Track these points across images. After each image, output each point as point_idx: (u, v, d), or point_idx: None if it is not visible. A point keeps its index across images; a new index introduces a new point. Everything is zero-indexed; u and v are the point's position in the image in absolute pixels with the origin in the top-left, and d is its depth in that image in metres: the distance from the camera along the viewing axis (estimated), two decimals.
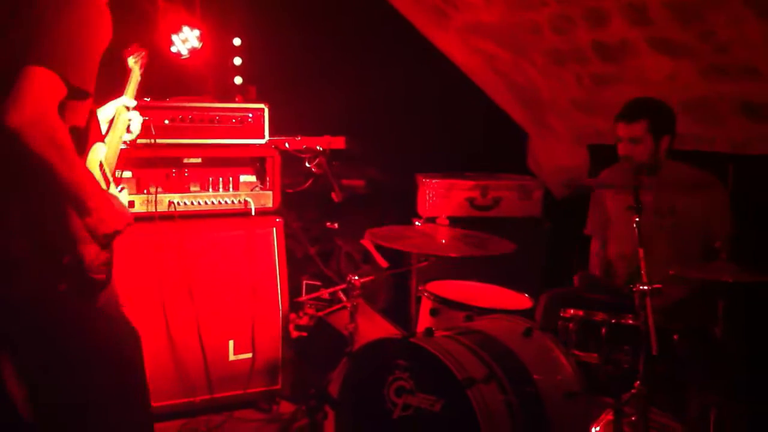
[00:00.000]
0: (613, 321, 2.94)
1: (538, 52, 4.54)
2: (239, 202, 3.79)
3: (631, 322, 2.86)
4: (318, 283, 4.50)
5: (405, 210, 4.64)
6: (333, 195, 3.97)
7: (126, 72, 2.78)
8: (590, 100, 4.53)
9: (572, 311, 3.05)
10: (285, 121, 4.07)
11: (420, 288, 3.49)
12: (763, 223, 3.53)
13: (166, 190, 3.63)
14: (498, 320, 3.08)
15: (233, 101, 4.04)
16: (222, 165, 3.82)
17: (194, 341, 3.62)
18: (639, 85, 3.87)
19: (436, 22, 4.89)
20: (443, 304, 3.31)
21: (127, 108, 2.65)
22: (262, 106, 3.88)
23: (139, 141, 3.03)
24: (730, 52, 3.47)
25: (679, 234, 3.38)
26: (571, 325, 3.03)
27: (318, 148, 4.03)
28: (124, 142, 2.65)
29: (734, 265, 2.81)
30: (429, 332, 2.82)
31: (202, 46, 3.97)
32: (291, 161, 4.04)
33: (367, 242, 4.38)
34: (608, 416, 2.97)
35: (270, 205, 3.89)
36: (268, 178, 3.89)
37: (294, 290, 4.23)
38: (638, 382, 2.73)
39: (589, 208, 3.83)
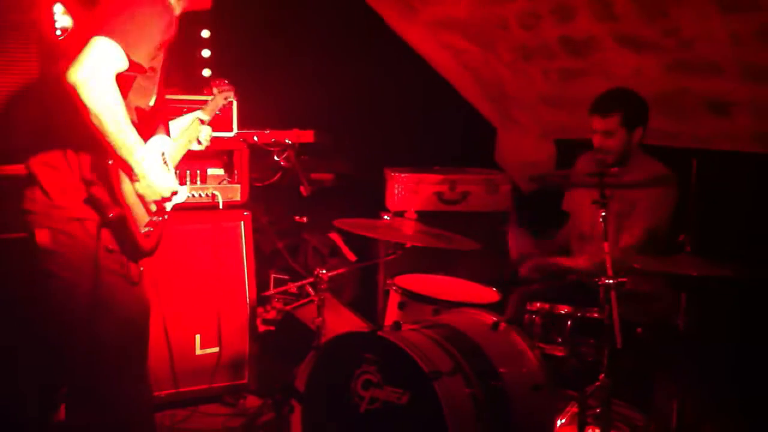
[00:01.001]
0: (578, 314, 2.97)
1: (506, 47, 4.56)
2: (207, 195, 3.77)
3: (596, 315, 2.89)
4: (286, 277, 4.49)
5: (373, 204, 4.64)
6: (301, 189, 3.95)
7: (208, 93, 3.11)
8: (557, 94, 4.56)
9: (538, 304, 3.07)
10: (253, 114, 4.04)
11: (388, 282, 3.49)
12: (724, 217, 3.58)
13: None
14: (465, 314, 3.10)
15: (201, 93, 4.00)
16: (189, 158, 3.76)
17: (160, 335, 3.59)
18: (605, 80, 3.91)
19: (405, 15, 4.89)
20: (411, 297, 3.32)
21: (202, 121, 2.93)
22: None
23: None
24: (694, 48, 3.51)
25: (637, 223, 3.42)
26: (536, 318, 3.05)
27: (287, 141, 4.00)
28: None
29: (698, 258, 2.84)
30: (396, 326, 2.83)
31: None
32: (259, 155, 4.02)
33: (335, 236, 4.38)
34: (573, 409, 3.01)
35: (238, 198, 3.87)
36: (236, 172, 3.87)
37: (261, 284, 4.22)
38: (602, 375, 2.76)
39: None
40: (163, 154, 2.55)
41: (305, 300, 4.14)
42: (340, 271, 3.72)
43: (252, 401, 3.84)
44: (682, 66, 3.65)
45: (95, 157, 2.33)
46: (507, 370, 2.76)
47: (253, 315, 3.87)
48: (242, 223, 3.85)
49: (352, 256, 4.21)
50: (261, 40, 4.70)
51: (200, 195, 3.75)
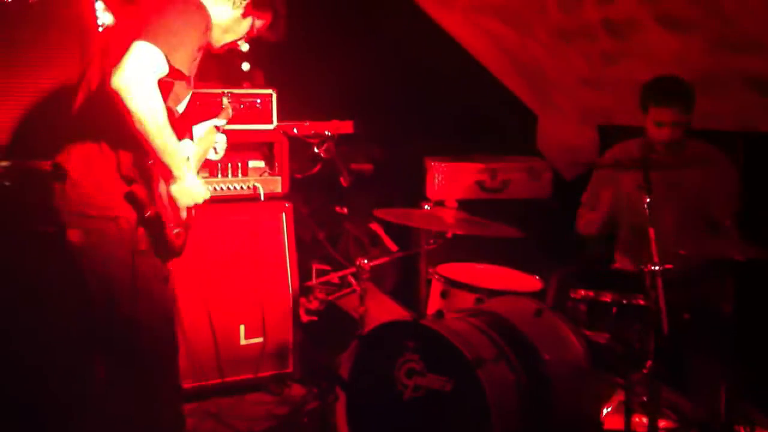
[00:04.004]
0: (623, 301, 2.93)
1: (545, 31, 4.50)
2: (248, 187, 3.80)
3: (641, 302, 2.85)
4: (327, 268, 4.51)
5: (414, 193, 4.63)
6: (341, 179, 3.95)
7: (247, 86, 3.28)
8: (598, 78, 4.50)
9: (582, 292, 3.05)
10: (293, 105, 4.06)
11: (430, 270, 3.49)
12: None
13: None
14: (508, 301, 3.09)
15: (241, 86, 4.03)
16: (231, 150, 3.81)
17: (205, 326, 3.64)
18: (647, 62, 3.84)
19: (442, 1, 4.86)
20: (453, 286, 3.32)
21: (218, 128, 2.94)
22: (270, 91, 3.89)
23: None
24: (737, 26, 3.43)
25: (684, 208, 3.37)
26: (581, 305, 3.03)
27: (326, 132, 4.01)
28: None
29: (745, 242, 2.80)
30: (439, 314, 2.83)
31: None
32: (299, 146, 4.04)
33: (375, 226, 4.39)
34: (619, 396, 2.97)
35: (279, 190, 3.90)
36: (276, 164, 3.89)
37: (304, 275, 4.24)
38: (649, 362, 2.72)
39: (591, 182, 3.80)
40: (188, 159, 2.57)
41: (348, 290, 4.16)
42: (382, 260, 3.73)
43: (297, 390, 3.87)
44: (724, 45, 3.58)
45: (136, 156, 2.37)
46: (551, 357, 2.75)
47: (296, 305, 3.90)
48: (284, 214, 3.88)
49: (393, 246, 4.21)
50: (299, 32, 4.69)
51: (242, 187, 3.79)
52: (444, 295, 3.34)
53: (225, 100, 3.06)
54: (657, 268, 2.70)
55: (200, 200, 2.56)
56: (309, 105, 4.26)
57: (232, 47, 2.82)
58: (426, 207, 3.49)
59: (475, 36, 4.96)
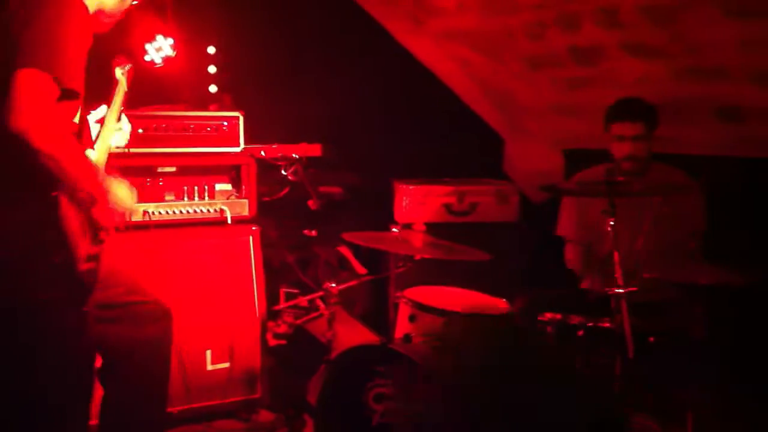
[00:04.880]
0: (590, 324, 2.95)
1: (514, 57, 4.56)
2: (215, 210, 3.77)
3: (608, 325, 2.87)
4: (296, 291, 4.48)
5: (383, 217, 4.63)
6: (310, 202, 3.95)
7: (113, 82, 2.79)
8: (566, 103, 4.56)
9: (550, 315, 3.05)
10: (260, 128, 4.05)
11: (398, 294, 3.48)
12: (734, 224, 3.56)
13: (141, 200, 3.59)
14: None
15: (208, 110, 4.01)
16: (197, 174, 3.80)
17: (173, 351, 3.58)
18: (614, 88, 3.90)
19: (411, 28, 4.90)
20: (421, 309, 3.30)
21: (117, 119, 2.69)
22: (237, 114, 3.87)
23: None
24: (702, 53, 3.50)
25: (648, 231, 3.41)
26: (549, 328, 3.03)
27: (294, 155, 4.01)
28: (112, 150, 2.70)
29: (710, 266, 2.83)
30: (407, 338, 2.82)
31: (176, 55, 3.95)
32: (267, 169, 4.02)
33: (344, 249, 4.37)
34: None
35: (246, 213, 3.87)
36: (243, 187, 3.87)
37: (272, 298, 4.21)
38: (615, 384, 2.73)
39: (561, 210, 3.84)
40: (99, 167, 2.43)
41: (316, 314, 4.13)
42: (350, 284, 3.72)
43: (265, 416, 3.82)
44: (689, 72, 3.65)
45: (37, 193, 2.14)
46: None
47: (263, 329, 3.86)
48: (251, 237, 3.85)
49: (361, 269, 4.20)
50: (267, 55, 4.72)
51: (208, 210, 3.76)
52: (412, 318, 3.33)
53: (118, 72, 2.80)
54: (621, 291, 2.73)
55: (132, 202, 2.41)
56: (277, 128, 4.26)
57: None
58: (394, 230, 3.49)
59: (444, 62, 5.01)
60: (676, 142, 3.86)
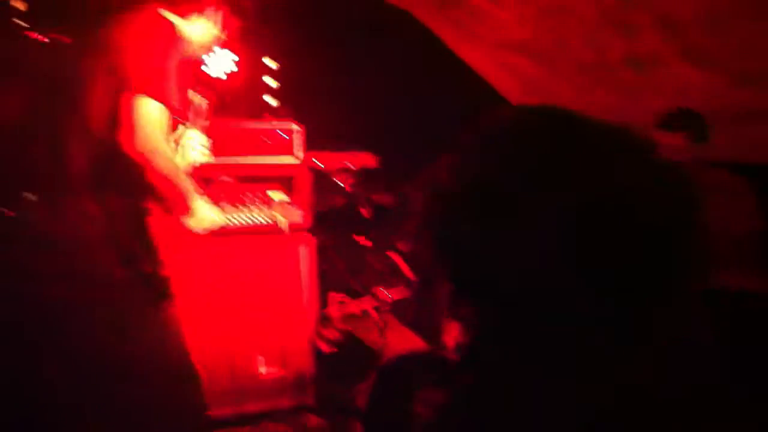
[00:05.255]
0: None
1: (569, 66, 4.54)
2: (270, 219, 3.84)
3: None
4: (347, 298, 4.52)
5: None
6: (363, 211, 3.99)
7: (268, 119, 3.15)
8: (622, 111, 4.52)
9: None
10: (316, 138, 4.11)
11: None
12: None
13: None
14: None
15: (265, 120, 4.09)
16: (254, 183, 3.88)
17: (224, 356, 3.66)
18: (667, 96, 3.86)
19: (466, 38, 4.92)
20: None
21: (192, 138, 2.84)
22: (293, 124, 3.94)
23: None
24: (757, 59, 3.45)
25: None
26: None
27: (348, 164, 4.06)
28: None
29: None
30: (459, 347, 2.83)
31: (236, 67, 4.05)
32: (321, 178, 4.08)
33: (397, 257, 4.41)
34: None
35: (300, 221, 3.93)
36: (298, 196, 3.93)
37: (324, 305, 4.26)
38: None
39: None
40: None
41: (367, 321, 4.17)
42: (402, 291, 3.74)
43: (314, 421, 3.87)
44: (745, 79, 3.59)
45: (131, 207, 2.35)
46: None
47: (315, 336, 3.91)
48: (305, 245, 3.91)
49: (413, 277, 4.22)
50: (322, 66, 4.79)
51: (263, 219, 3.83)
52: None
53: (197, 97, 2.93)
54: None
55: (216, 222, 2.60)
56: (332, 138, 4.31)
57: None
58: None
59: (498, 71, 5.01)
60: (739, 150, 3.80)
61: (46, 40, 2.87)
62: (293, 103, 4.53)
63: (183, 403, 2.57)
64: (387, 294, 3.27)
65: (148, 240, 2.35)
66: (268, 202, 3.90)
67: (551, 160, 0.93)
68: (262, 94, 4.65)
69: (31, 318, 2.30)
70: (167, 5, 2.47)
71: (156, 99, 2.23)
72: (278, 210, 3.86)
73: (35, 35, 2.95)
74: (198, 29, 2.61)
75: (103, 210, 2.31)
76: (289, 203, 3.93)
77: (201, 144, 2.84)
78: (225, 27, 2.74)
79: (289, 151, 3.92)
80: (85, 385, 2.41)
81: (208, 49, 2.79)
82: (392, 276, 4.59)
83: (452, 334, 3.15)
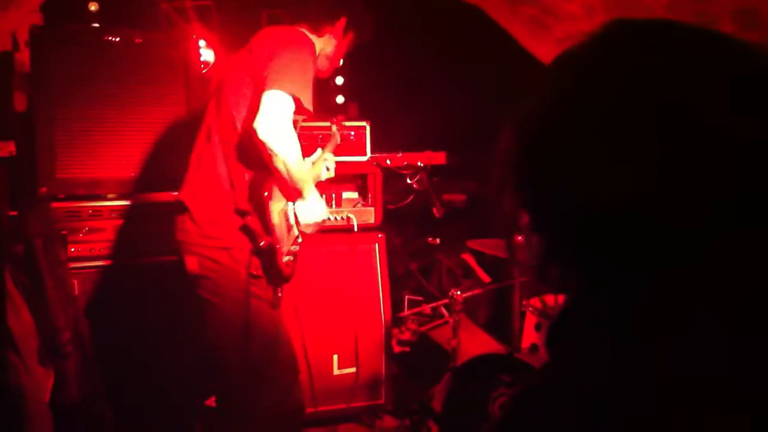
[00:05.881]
0: None
1: None
2: (342, 218, 3.85)
3: None
4: (420, 299, 4.50)
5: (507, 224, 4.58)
6: (434, 210, 3.96)
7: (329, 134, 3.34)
8: None
9: None
10: (386, 137, 4.11)
11: (524, 302, 3.44)
12: None
13: None
14: None
15: (337, 120, 4.11)
16: (325, 182, 3.89)
17: (300, 355, 3.68)
18: None
19: (536, 33, 4.83)
20: (547, 319, 3.26)
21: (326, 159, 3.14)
22: (363, 123, 3.94)
23: None
24: None
25: None
26: None
27: (419, 163, 4.04)
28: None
29: None
30: (534, 348, 2.79)
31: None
32: (392, 177, 4.08)
33: (468, 257, 4.37)
34: None
35: (372, 221, 3.93)
36: (369, 195, 3.93)
37: (396, 305, 4.25)
38: None
39: None
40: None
41: (440, 321, 4.14)
42: (475, 292, 3.70)
43: (389, 421, 3.86)
44: None
45: (251, 190, 2.57)
46: None
47: (388, 336, 3.90)
48: (376, 245, 3.91)
49: (486, 277, 4.17)
50: (391, 65, 4.78)
51: (336, 218, 3.84)
52: (538, 328, 3.29)
53: (333, 128, 3.30)
54: None
55: (322, 216, 2.76)
56: (402, 136, 4.30)
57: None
58: (520, 238, 3.45)
59: None
60: None
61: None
62: (364, 103, 4.54)
63: (287, 400, 2.71)
64: (459, 294, 3.24)
65: (267, 221, 2.55)
66: (341, 201, 3.91)
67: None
68: (334, 94, 4.66)
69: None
70: (310, 29, 2.80)
71: (287, 93, 2.44)
72: (350, 209, 3.87)
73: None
74: (330, 46, 2.89)
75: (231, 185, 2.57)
76: (361, 202, 3.93)
77: (330, 164, 3.13)
78: (348, 51, 3.03)
79: (360, 151, 3.92)
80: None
81: (335, 66, 3.10)
82: (464, 276, 4.55)
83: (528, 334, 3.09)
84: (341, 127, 3.41)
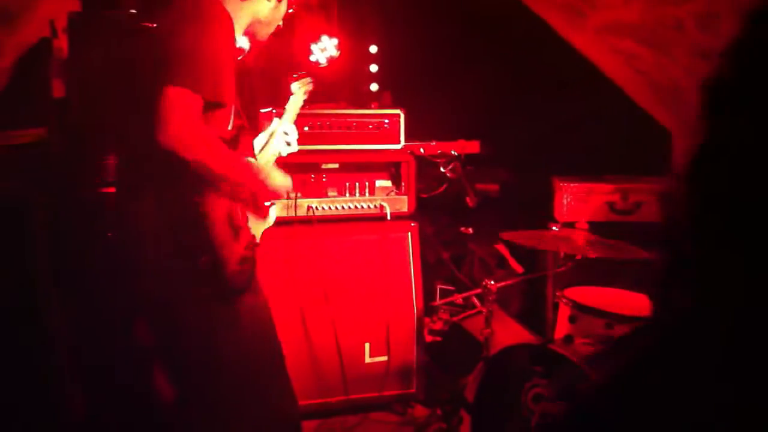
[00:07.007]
0: None
1: (683, 50, 4.34)
2: (375, 206, 3.84)
3: None
4: (452, 288, 4.49)
5: (540, 215, 4.55)
6: (467, 199, 3.94)
7: (287, 94, 2.94)
8: None
9: None
10: (420, 125, 4.09)
11: (557, 294, 3.41)
12: None
13: (305, 195, 3.73)
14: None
15: (369, 107, 4.10)
16: (358, 170, 3.89)
17: (331, 343, 3.69)
18: None
19: (573, 22, 4.77)
20: (581, 310, 3.22)
21: (286, 133, 2.82)
22: (397, 111, 3.93)
23: None
24: None
25: None
26: None
27: (452, 152, 4.02)
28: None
29: None
30: (568, 339, 2.76)
31: (339, 55, 4.06)
32: (425, 166, 4.06)
33: (501, 247, 4.34)
34: None
35: (405, 209, 3.92)
36: (403, 183, 3.92)
37: (428, 294, 4.24)
38: None
39: None
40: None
41: (472, 311, 4.12)
42: (508, 282, 3.68)
43: (420, 411, 3.86)
44: None
45: (180, 198, 2.23)
46: None
47: (420, 325, 3.90)
48: (409, 233, 3.90)
49: (519, 268, 4.14)
50: (427, 53, 4.76)
51: (369, 206, 3.83)
52: (572, 319, 3.25)
53: (295, 86, 2.93)
54: None
55: (288, 184, 2.53)
56: (436, 125, 4.27)
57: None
58: (554, 228, 3.42)
59: (607, 55, 4.84)
60: None
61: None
62: (398, 91, 4.52)
63: (260, 398, 2.49)
64: (493, 284, 3.21)
65: (204, 233, 2.21)
66: (374, 189, 3.90)
67: None
68: (368, 82, 4.65)
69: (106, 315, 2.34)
70: None
71: (189, 88, 2.11)
72: (383, 197, 3.86)
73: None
74: (265, 10, 2.50)
75: (158, 203, 2.24)
76: (394, 191, 3.92)
77: (289, 135, 2.83)
78: (290, 6, 2.62)
79: (394, 139, 3.91)
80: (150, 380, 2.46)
81: (278, 28, 2.63)
82: (497, 265, 4.53)
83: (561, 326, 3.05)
84: (306, 85, 2.95)
